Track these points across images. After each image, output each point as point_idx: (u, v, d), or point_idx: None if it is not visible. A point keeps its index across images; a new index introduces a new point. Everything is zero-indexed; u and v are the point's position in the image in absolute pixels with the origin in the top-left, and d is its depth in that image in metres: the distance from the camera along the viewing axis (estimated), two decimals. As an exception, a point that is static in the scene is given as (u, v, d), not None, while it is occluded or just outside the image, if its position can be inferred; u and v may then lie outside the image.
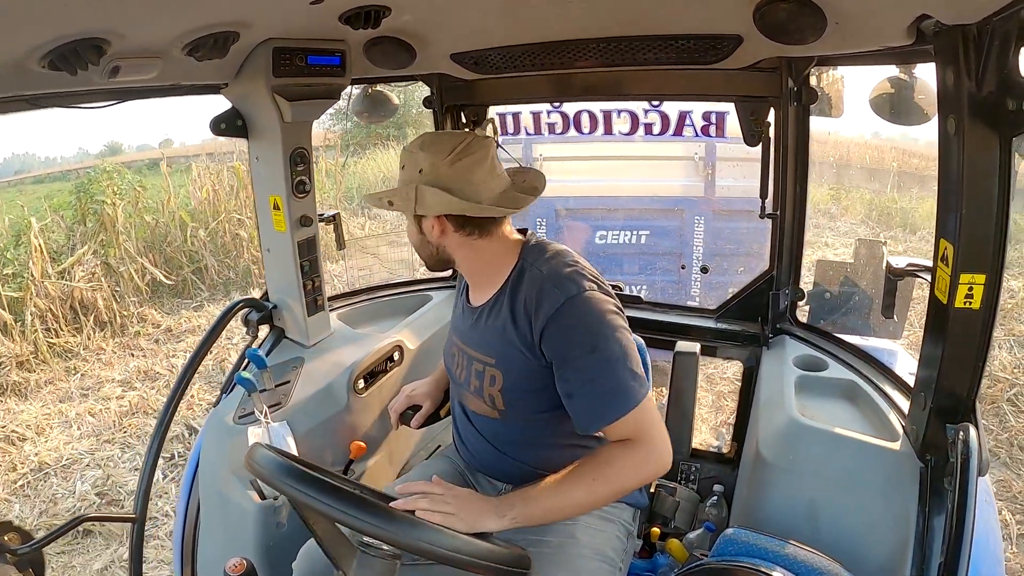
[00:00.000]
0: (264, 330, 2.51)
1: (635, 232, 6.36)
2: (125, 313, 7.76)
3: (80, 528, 3.92)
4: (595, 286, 1.60)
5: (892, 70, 1.87)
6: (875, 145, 16.81)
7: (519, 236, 1.76)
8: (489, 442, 1.80)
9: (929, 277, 1.63)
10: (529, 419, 1.71)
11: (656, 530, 2.33)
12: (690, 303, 5.49)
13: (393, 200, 1.66)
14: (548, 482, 1.50)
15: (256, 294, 2.79)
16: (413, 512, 1.33)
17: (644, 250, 6.31)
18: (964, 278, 1.46)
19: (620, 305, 1.64)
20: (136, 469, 4.74)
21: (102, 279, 7.83)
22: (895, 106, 1.88)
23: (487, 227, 1.67)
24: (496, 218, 1.67)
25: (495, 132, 1.77)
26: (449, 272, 3.18)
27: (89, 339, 7.20)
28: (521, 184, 1.73)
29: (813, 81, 2.20)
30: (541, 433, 1.73)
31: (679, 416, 2.54)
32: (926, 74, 1.80)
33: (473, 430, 1.85)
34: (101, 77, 1.48)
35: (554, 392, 1.60)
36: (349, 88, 2.32)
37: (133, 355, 7.06)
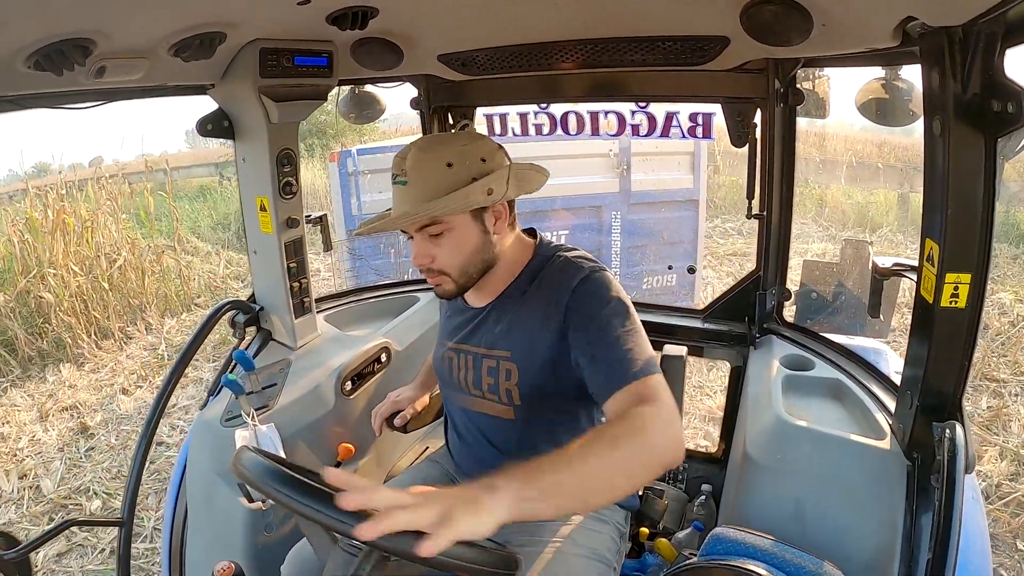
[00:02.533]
0: (251, 332, 2.50)
1: (555, 233, 6.66)
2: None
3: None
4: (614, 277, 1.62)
5: (878, 71, 1.89)
6: (816, 132, 15.61)
7: (527, 235, 1.78)
8: (496, 447, 1.76)
9: (915, 277, 1.64)
10: (545, 417, 1.68)
11: (645, 530, 2.33)
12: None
13: (462, 204, 1.54)
14: (556, 455, 1.17)
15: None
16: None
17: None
18: (950, 277, 1.47)
19: None
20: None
21: None
22: (881, 107, 1.90)
23: (515, 216, 1.71)
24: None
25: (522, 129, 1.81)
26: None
27: None
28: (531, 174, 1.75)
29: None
30: (555, 434, 1.66)
31: None
32: (912, 75, 1.82)
33: (478, 436, 1.81)
34: (87, 78, 1.47)
35: (570, 389, 1.59)
36: (336, 89, 2.31)
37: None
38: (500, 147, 1.65)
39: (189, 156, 17.90)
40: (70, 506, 4.41)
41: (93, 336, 7.07)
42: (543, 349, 1.59)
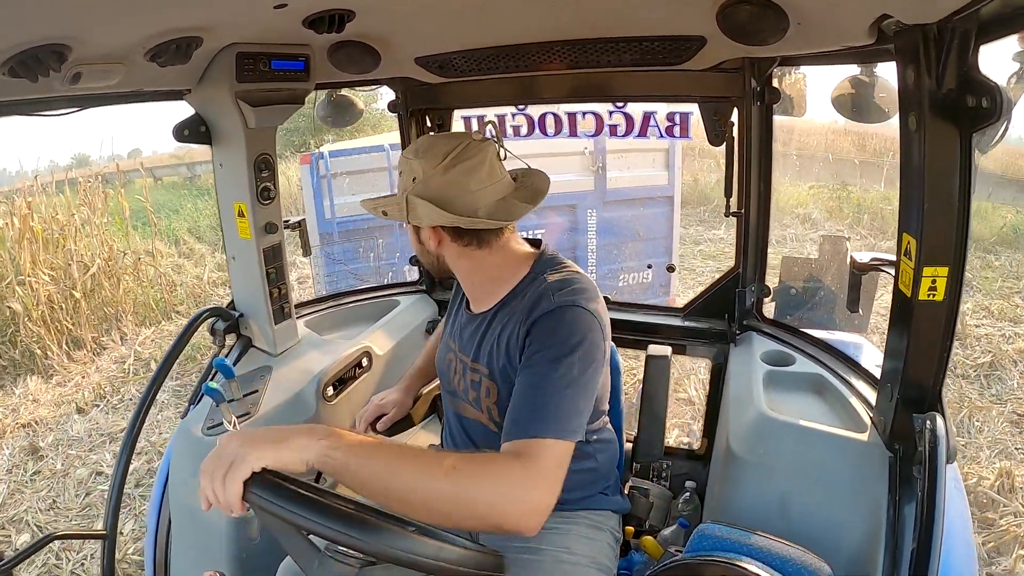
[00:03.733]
0: (231, 339, 2.47)
1: (530, 232, 6.54)
2: None
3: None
4: (594, 314, 1.50)
5: (854, 69, 1.91)
6: (856, 131, 15.79)
7: (529, 248, 1.72)
8: (483, 451, 1.74)
9: (893, 271, 1.67)
10: None
11: (630, 528, 2.34)
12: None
13: (387, 210, 1.62)
14: (391, 442, 1.35)
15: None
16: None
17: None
18: (927, 271, 1.49)
19: (607, 348, 1.55)
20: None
21: None
22: (857, 104, 1.92)
23: (485, 238, 1.62)
24: (494, 228, 1.61)
25: (497, 133, 1.73)
26: (416, 276, 3.18)
27: None
28: (524, 187, 1.68)
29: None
30: None
31: (652, 419, 2.56)
32: (887, 73, 1.85)
33: (467, 441, 1.82)
34: (62, 84, 1.45)
35: None
36: (313, 93, 2.30)
37: None
38: (475, 169, 1.56)
39: (204, 151, 17.55)
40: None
41: (65, 346, 6.90)
42: (513, 372, 1.54)
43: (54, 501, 4.55)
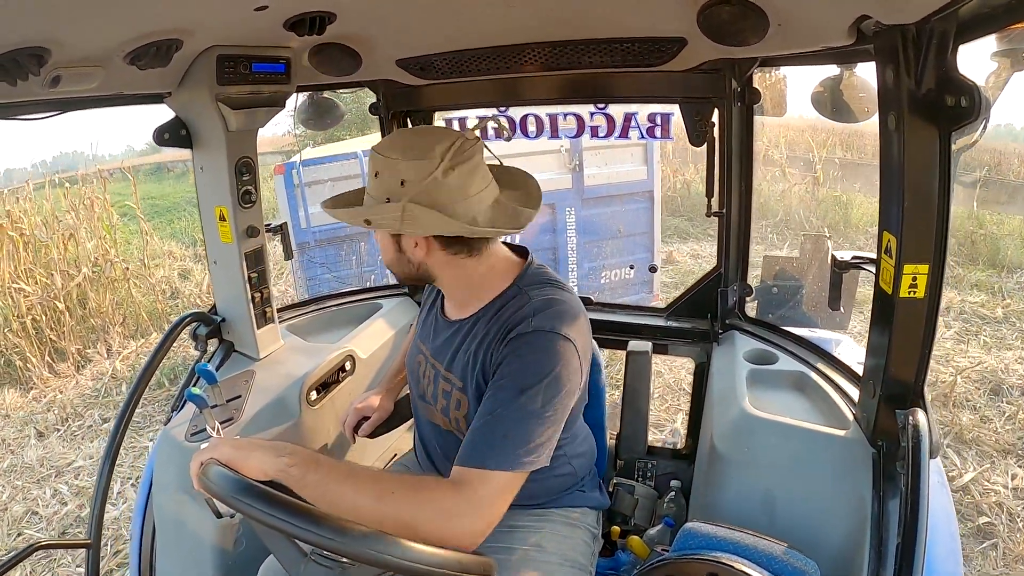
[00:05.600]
0: (213, 344, 2.45)
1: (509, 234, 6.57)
2: None
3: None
4: (572, 339, 1.45)
5: (833, 69, 1.93)
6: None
7: (515, 257, 1.67)
8: (451, 462, 1.73)
9: (874, 269, 1.68)
10: None
11: (616, 528, 2.35)
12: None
13: (373, 219, 1.48)
14: (349, 465, 1.36)
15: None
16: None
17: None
18: (908, 268, 1.51)
19: (586, 370, 1.54)
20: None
21: None
22: (836, 104, 1.94)
23: (476, 246, 1.55)
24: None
25: (505, 127, 1.68)
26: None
27: None
28: (509, 188, 1.62)
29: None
30: None
31: (633, 415, 2.58)
32: (866, 72, 1.87)
33: (436, 447, 1.81)
34: (41, 87, 1.43)
35: None
36: (295, 95, 2.28)
37: None
38: (474, 170, 1.49)
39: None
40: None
41: (48, 358, 6.73)
42: (485, 387, 1.50)
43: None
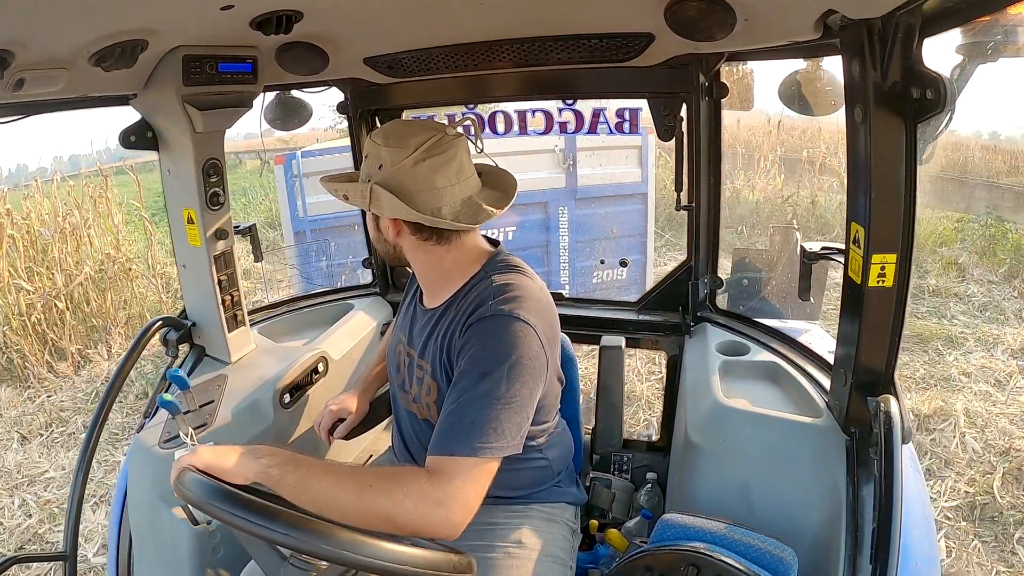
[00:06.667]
0: (184, 349, 2.42)
1: (502, 229, 6.71)
2: None
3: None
4: (532, 324, 1.47)
5: (800, 63, 1.96)
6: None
7: (487, 246, 1.70)
8: (426, 449, 1.75)
9: (842, 259, 1.71)
10: None
11: (594, 522, 2.36)
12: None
13: (349, 194, 1.61)
14: (328, 462, 1.38)
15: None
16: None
17: (514, 247, 6.51)
18: (876, 258, 1.54)
19: (550, 355, 1.54)
20: None
21: None
22: (803, 97, 1.97)
23: (446, 235, 1.59)
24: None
25: (476, 131, 1.70)
26: (370, 279, 3.15)
27: None
28: (490, 187, 1.66)
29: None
30: None
31: (608, 409, 2.60)
32: (833, 66, 1.90)
33: (413, 437, 1.82)
34: (5, 91, 1.40)
35: None
36: (262, 95, 2.26)
37: None
38: (446, 164, 1.53)
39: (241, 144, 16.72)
40: None
41: (47, 358, 6.58)
42: (452, 372, 1.54)
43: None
